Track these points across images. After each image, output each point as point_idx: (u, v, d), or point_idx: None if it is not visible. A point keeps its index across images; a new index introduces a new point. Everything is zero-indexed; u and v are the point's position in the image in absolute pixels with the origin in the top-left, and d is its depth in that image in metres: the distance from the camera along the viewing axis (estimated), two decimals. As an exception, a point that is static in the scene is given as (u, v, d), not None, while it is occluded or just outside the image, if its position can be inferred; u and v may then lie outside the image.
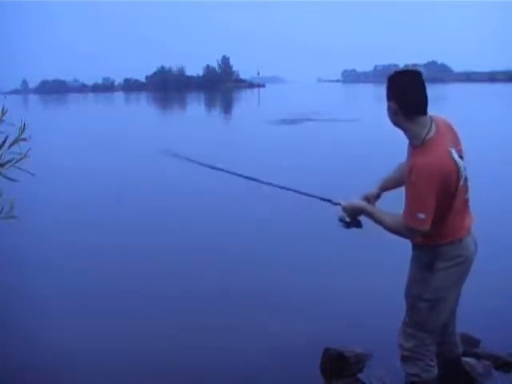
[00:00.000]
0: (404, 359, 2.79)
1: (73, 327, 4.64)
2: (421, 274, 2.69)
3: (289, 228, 7.32)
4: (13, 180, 2.22)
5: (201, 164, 3.48)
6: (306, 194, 3.08)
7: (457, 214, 2.62)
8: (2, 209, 2.25)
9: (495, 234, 6.44)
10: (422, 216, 2.48)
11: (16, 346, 4.31)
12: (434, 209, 2.50)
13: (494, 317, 4.43)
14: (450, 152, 2.52)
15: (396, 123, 2.60)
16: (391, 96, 2.55)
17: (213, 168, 3.43)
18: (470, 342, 3.88)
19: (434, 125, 2.55)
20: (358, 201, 2.87)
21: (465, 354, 3.48)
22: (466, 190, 2.66)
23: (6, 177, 2.22)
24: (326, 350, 3.85)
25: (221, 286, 5.43)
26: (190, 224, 7.86)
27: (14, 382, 3.84)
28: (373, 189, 3.01)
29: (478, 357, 3.62)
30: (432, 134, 2.53)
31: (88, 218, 8.46)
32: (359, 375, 3.64)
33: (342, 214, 2.88)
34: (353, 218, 2.85)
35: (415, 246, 2.75)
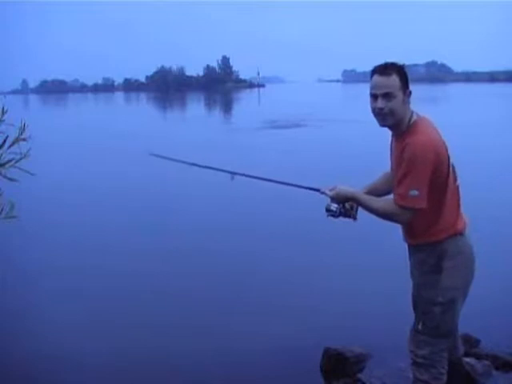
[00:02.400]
0: (416, 365, 2.71)
1: (71, 327, 4.64)
2: (429, 278, 2.63)
3: (289, 229, 7.32)
4: (13, 180, 2.22)
5: (183, 162, 3.51)
6: (291, 185, 3.01)
7: (451, 202, 2.60)
8: (2, 209, 2.25)
9: (496, 234, 6.45)
10: (414, 193, 2.45)
11: (16, 345, 4.32)
12: (429, 190, 2.47)
13: (494, 317, 4.43)
14: (439, 134, 2.58)
15: (400, 109, 2.56)
16: (408, 83, 2.59)
17: (195, 165, 3.45)
18: (470, 342, 3.89)
19: (413, 112, 2.63)
20: (345, 187, 2.73)
21: (465, 354, 3.48)
22: (456, 178, 2.65)
23: (5, 177, 2.22)
24: (326, 349, 3.85)
25: (221, 288, 5.44)
26: (190, 224, 7.86)
27: (14, 382, 3.85)
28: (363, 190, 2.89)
29: (478, 357, 3.62)
30: (415, 117, 2.61)
31: (88, 218, 8.47)
32: (359, 375, 3.64)
33: (328, 203, 2.76)
34: (342, 206, 2.73)
35: (417, 248, 2.68)
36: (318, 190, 2.84)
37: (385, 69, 2.56)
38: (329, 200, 2.75)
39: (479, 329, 4.06)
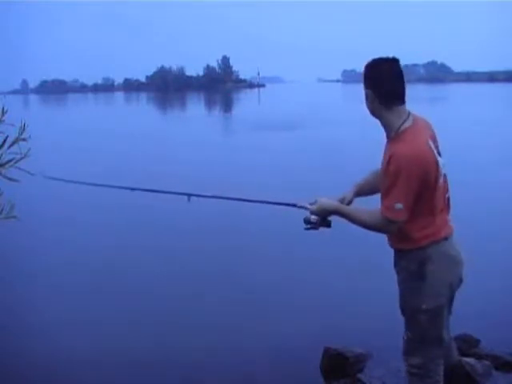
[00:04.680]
0: (411, 374, 2.64)
1: (72, 327, 4.65)
2: (412, 285, 2.56)
3: (288, 228, 7.31)
4: (13, 180, 2.22)
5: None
6: (263, 202, 2.86)
7: (439, 213, 2.53)
8: (2, 209, 2.25)
9: (495, 234, 6.45)
10: (399, 206, 2.39)
11: (14, 344, 4.32)
12: (414, 201, 2.41)
13: (494, 317, 4.43)
14: (428, 143, 2.47)
15: (373, 112, 2.54)
16: (368, 84, 2.50)
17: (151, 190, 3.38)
18: (470, 342, 3.88)
19: (411, 117, 2.51)
20: (328, 201, 2.64)
21: (465, 354, 3.49)
22: (447, 189, 2.58)
23: (5, 177, 2.22)
24: (326, 349, 3.85)
25: (221, 287, 5.44)
26: (189, 225, 7.85)
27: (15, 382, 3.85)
28: (347, 193, 2.85)
29: (478, 357, 3.61)
30: (408, 124, 2.47)
31: (89, 218, 8.46)
32: (359, 375, 3.63)
33: (307, 215, 2.65)
34: (322, 218, 2.63)
35: (401, 254, 2.61)
36: (294, 206, 2.73)
37: None
38: (308, 212, 2.65)
39: (479, 329, 4.05)
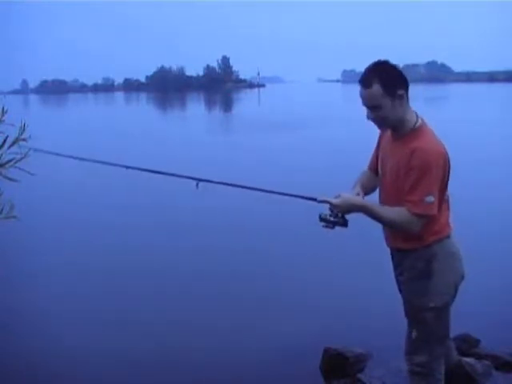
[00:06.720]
0: (414, 373, 2.64)
1: (68, 327, 4.65)
2: (418, 283, 2.56)
3: (289, 227, 7.31)
4: (13, 180, 2.22)
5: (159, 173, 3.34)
6: (285, 194, 2.75)
7: (444, 211, 2.55)
8: (2, 209, 2.25)
9: (495, 233, 6.45)
10: (431, 199, 2.37)
11: (15, 346, 4.32)
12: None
13: (494, 317, 4.43)
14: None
15: (395, 114, 2.45)
16: (403, 85, 2.45)
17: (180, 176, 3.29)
18: (470, 342, 3.88)
19: (419, 116, 2.53)
20: (353, 196, 2.55)
21: (465, 354, 3.49)
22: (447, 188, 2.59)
23: (6, 177, 2.22)
24: (326, 349, 3.85)
25: (221, 287, 5.44)
26: (191, 224, 7.85)
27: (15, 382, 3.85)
28: (358, 191, 2.72)
29: (478, 357, 3.61)
30: (421, 122, 2.51)
31: (88, 217, 8.47)
32: (359, 375, 3.63)
33: (324, 212, 2.52)
34: (341, 215, 2.50)
35: (405, 254, 2.59)
36: (314, 200, 2.58)
37: (364, 79, 2.43)
38: (326, 209, 2.51)
39: (479, 329, 4.05)
